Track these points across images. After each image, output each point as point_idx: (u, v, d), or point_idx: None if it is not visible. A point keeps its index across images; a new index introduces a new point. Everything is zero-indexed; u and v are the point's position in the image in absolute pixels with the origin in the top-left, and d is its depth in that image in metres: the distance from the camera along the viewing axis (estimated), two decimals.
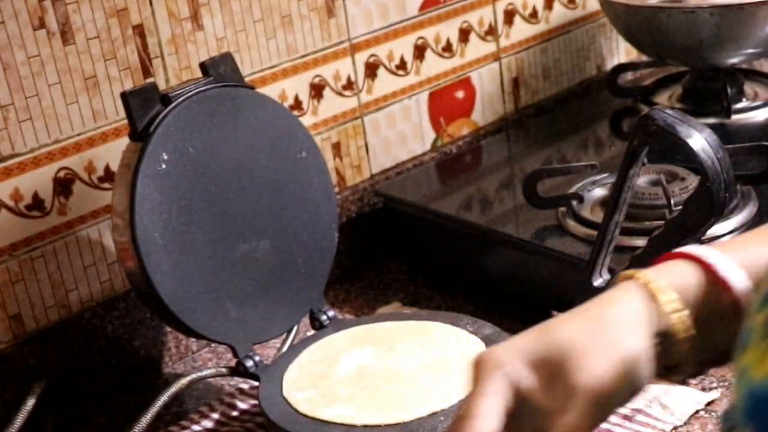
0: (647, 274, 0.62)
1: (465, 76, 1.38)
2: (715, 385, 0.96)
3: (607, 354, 0.59)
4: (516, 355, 0.61)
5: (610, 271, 0.99)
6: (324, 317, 1.06)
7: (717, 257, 0.62)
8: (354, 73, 1.26)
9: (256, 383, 1.01)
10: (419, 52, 1.33)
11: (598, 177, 1.15)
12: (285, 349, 1.05)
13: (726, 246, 0.64)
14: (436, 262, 1.22)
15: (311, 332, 1.06)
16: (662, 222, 0.98)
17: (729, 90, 1.34)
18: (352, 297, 1.21)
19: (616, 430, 0.92)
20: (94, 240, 1.07)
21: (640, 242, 1.00)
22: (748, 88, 1.39)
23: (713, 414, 0.93)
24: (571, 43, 1.51)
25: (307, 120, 1.22)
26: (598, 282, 0.99)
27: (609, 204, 0.99)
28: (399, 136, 1.33)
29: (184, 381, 0.99)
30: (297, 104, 1.22)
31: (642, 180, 1.09)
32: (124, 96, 0.97)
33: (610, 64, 1.55)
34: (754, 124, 1.34)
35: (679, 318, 0.61)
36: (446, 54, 1.35)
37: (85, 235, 1.07)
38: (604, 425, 0.62)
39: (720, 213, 0.95)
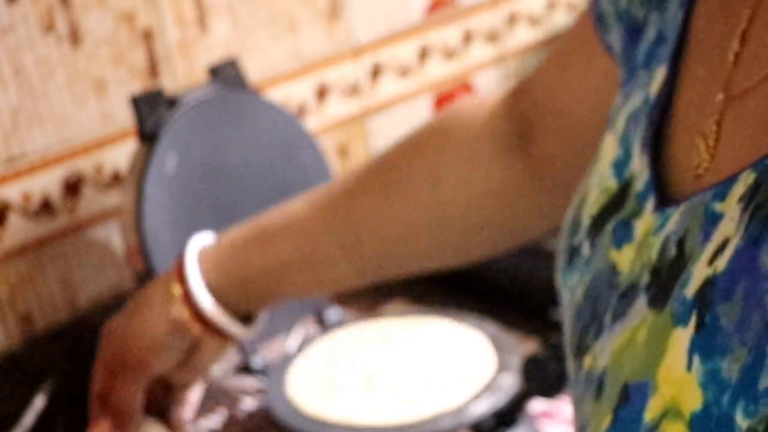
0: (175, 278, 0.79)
1: (468, 79, 1.40)
2: None
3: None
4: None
5: None
6: (329, 316, 1.08)
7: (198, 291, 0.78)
8: (358, 77, 1.28)
9: (261, 381, 1.02)
10: (423, 56, 1.34)
11: None
12: (291, 348, 1.06)
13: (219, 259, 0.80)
14: None
15: (317, 331, 1.07)
16: None
17: None
18: (356, 296, 1.22)
19: None
20: (103, 241, 1.09)
21: None
22: None
23: None
24: None
25: (311, 123, 1.23)
26: None
27: None
28: None
29: None
30: (302, 108, 1.23)
31: None
32: (133, 100, 0.98)
33: None
34: None
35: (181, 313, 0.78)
36: (450, 58, 1.37)
37: (93, 237, 1.08)
38: None
39: None
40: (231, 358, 1.12)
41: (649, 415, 0.48)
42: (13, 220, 1.02)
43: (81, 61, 1.04)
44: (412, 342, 1.02)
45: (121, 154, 1.07)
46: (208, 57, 1.12)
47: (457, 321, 1.04)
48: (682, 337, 0.47)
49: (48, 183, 1.04)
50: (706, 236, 0.48)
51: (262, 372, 1.02)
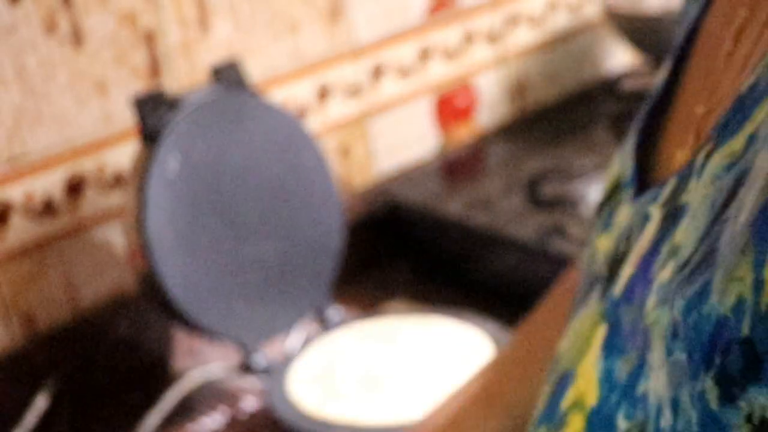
0: None
1: (469, 80, 1.40)
2: None
3: None
4: None
5: None
6: (330, 316, 1.08)
7: None
8: (359, 78, 1.28)
9: (263, 381, 1.02)
10: (424, 56, 1.34)
11: (600, 179, 1.17)
12: (292, 347, 1.07)
13: None
14: (441, 262, 1.23)
15: (318, 331, 1.08)
16: None
17: None
18: (358, 296, 1.22)
19: None
20: (104, 241, 1.09)
21: None
22: None
23: None
24: (573, 48, 1.52)
25: (312, 124, 1.23)
26: None
27: None
28: (404, 140, 1.34)
29: (193, 381, 1.01)
30: (303, 108, 1.23)
31: None
32: (135, 101, 0.98)
33: (612, 69, 1.56)
34: None
35: None
36: (450, 59, 1.37)
37: (95, 237, 1.08)
38: None
39: None
40: (232, 357, 1.13)
41: (565, 403, 0.49)
42: (16, 220, 1.02)
43: (83, 61, 1.04)
44: (412, 342, 1.02)
45: (123, 155, 1.07)
46: (209, 58, 1.13)
47: (457, 321, 1.04)
48: (602, 333, 0.48)
49: (50, 183, 1.04)
50: (640, 236, 0.49)
51: (263, 372, 1.02)
